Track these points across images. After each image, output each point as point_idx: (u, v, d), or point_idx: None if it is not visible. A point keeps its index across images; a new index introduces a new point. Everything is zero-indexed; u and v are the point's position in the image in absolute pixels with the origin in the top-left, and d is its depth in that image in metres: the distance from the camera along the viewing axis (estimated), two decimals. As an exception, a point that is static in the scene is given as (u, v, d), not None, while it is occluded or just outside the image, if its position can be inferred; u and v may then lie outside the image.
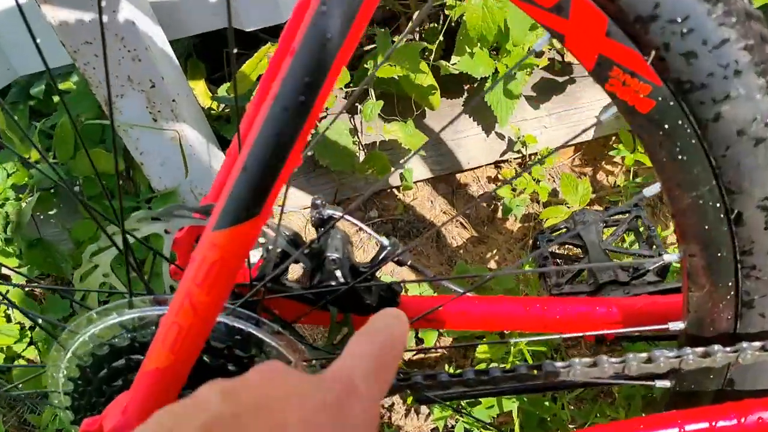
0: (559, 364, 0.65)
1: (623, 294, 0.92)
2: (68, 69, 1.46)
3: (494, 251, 1.54)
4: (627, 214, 1.09)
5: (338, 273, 0.81)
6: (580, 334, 0.84)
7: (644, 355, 0.65)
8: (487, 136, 1.53)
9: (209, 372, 0.72)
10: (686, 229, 0.63)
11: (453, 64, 1.37)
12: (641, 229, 1.09)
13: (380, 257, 0.86)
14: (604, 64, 0.55)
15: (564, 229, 1.10)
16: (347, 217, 0.87)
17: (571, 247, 1.37)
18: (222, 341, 0.72)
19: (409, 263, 0.90)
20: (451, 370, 0.73)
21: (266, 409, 0.34)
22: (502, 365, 0.68)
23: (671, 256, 0.68)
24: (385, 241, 0.87)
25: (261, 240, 0.84)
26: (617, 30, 0.53)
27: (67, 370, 0.77)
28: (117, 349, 0.72)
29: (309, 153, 1.46)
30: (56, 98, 1.45)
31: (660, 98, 0.55)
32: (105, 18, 1.05)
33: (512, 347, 1.14)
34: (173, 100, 1.17)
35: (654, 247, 1.01)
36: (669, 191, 0.61)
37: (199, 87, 1.49)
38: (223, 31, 1.65)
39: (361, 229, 1.52)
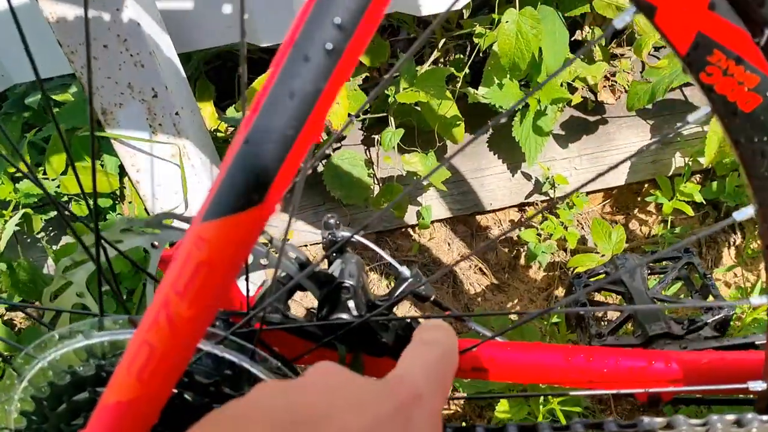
0: (625, 423, 0.52)
1: (679, 349, 0.80)
2: (65, 81, 1.38)
3: (515, 300, 1.41)
4: (676, 261, 0.97)
5: (351, 304, 0.69)
6: (635, 391, 0.70)
7: (731, 417, 0.52)
8: (513, 176, 1.42)
9: (188, 412, 0.59)
10: (784, 265, 0.51)
11: (482, 96, 1.28)
12: (693, 277, 0.97)
13: (400, 289, 0.74)
14: (702, 46, 0.44)
15: (603, 274, 0.98)
16: (362, 240, 0.76)
17: (607, 294, 1.25)
18: (208, 375, 0.59)
19: (432, 298, 0.78)
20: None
21: (328, 417, 0.32)
22: (553, 422, 0.56)
23: (759, 299, 0.56)
24: (406, 272, 0.76)
25: (263, 261, 0.72)
26: (723, 2, 0.42)
27: (21, 403, 0.64)
28: (80, 378, 0.59)
29: (318, 176, 1.36)
30: (55, 110, 1.36)
31: (769, 93, 0.44)
32: (107, 17, 0.96)
33: (541, 405, 1.00)
34: (176, 113, 1.07)
35: (712, 298, 0.89)
36: (766, 216, 0.50)
37: (207, 109, 1.40)
38: (234, 54, 1.57)
39: (373, 260, 1.40)
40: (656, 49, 1.43)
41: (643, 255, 0.96)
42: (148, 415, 0.45)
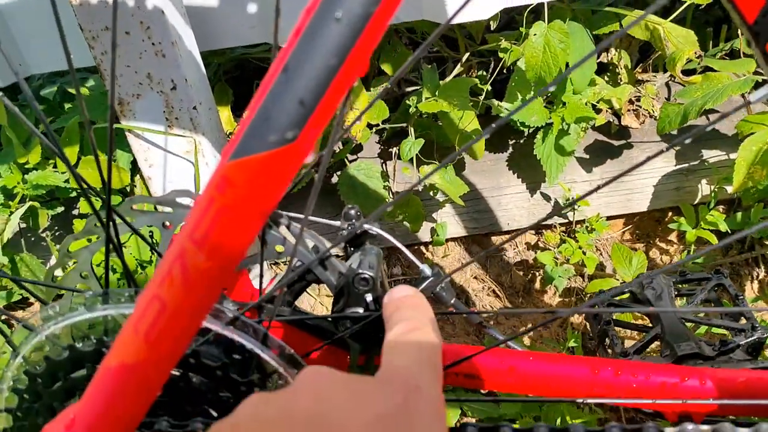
0: (666, 428, 0.48)
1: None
2: (81, 75, 1.36)
3: (529, 326, 1.36)
4: (705, 282, 0.93)
5: (368, 297, 0.65)
6: (668, 401, 0.66)
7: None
8: (531, 196, 1.39)
9: (190, 395, 0.55)
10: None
11: (505, 109, 1.25)
12: (723, 300, 0.93)
13: (421, 287, 0.70)
14: (772, 14, 0.41)
15: (627, 293, 0.94)
16: (381, 232, 0.72)
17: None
18: (214, 358, 0.55)
19: (452, 301, 0.74)
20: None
21: (325, 418, 0.31)
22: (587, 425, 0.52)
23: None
24: (428, 270, 0.72)
25: (279, 249, 0.68)
26: (798, -36, 0.39)
27: (13, 380, 0.60)
28: (79, 354, 0.55)
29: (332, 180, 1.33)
30: (67, 105, 1.34)
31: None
32: (131, 2, 0.94)
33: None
34: (194, 108, 1.05)
35: (744, 320, 0.84)
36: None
37: (224, 113, 1.38)
38: (252, 64, 1.56)
39: (389, 256, 1.34)
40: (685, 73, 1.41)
41: (670, 275, 0.92)
42: (153, 383, 0.41)
